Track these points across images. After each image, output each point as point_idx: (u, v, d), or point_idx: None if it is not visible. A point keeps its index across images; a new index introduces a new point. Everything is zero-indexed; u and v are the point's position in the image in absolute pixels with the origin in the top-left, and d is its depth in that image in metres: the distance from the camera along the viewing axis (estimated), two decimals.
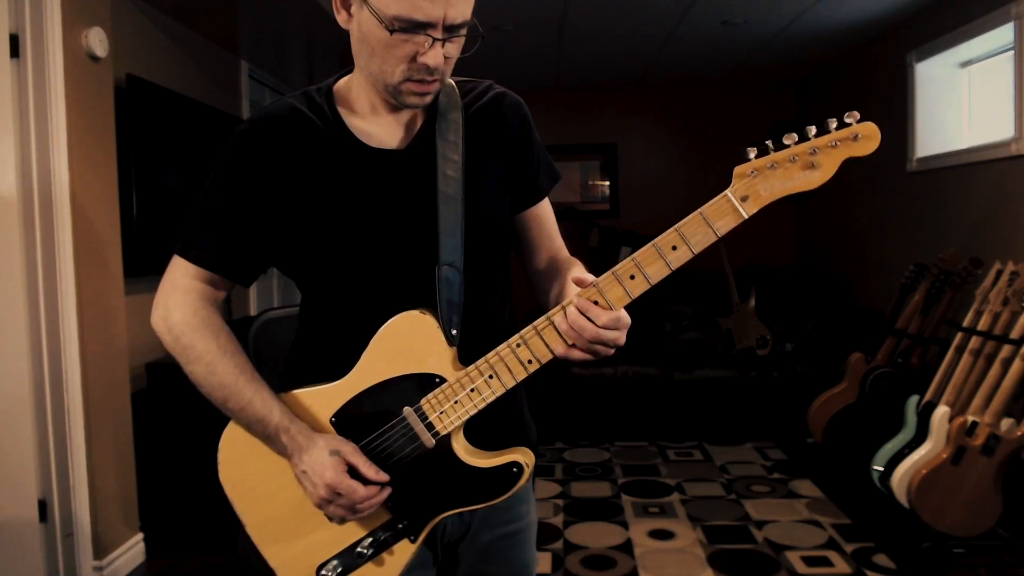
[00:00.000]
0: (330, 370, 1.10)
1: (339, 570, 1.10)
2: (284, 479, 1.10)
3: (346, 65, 1.16)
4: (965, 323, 2.96)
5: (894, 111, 4.25)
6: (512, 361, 1.04)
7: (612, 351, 1.02)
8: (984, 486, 2.66)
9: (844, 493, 3.44)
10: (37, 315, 2.52)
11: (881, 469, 2.95)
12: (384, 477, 1.06)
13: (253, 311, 4.58)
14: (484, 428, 1.10)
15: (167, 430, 3.04)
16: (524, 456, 1.09)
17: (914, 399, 2.99)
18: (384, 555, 1.10)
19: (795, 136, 0.97)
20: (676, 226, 0.98)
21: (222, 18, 3.87)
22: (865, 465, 3.07)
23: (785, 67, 5.29)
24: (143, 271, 3.08)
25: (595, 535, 3.09)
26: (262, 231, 1.10)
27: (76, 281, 2.59)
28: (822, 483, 3.60)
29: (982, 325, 2.85)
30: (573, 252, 1.25)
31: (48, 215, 2.53)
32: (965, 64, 3.91)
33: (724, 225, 0.98)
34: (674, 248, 0.98)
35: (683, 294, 5.17)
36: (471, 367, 1.05)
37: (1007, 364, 2.69)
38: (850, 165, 0.99)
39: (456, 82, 1.18)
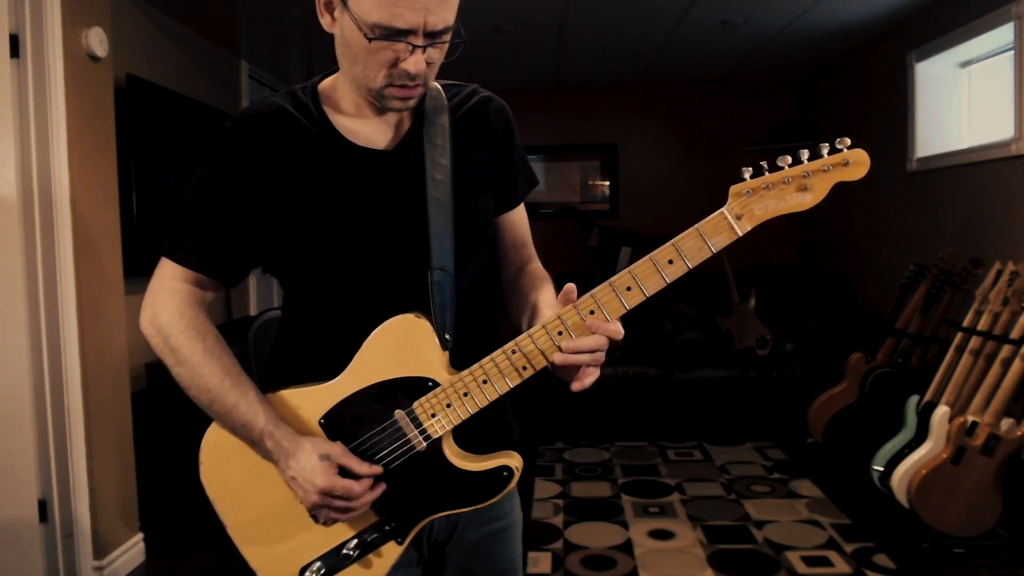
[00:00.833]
0: (317, 371, 1.09)
1: (323, 571, 1.09)
2: (268, 481, 1.09)
3: None
4: (965, 323, 2.96)
5: (894, 111, 4.25)
6: (506, 367, 1.04)
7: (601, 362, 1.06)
8: (984, 486, 2.66)
9: (844, 493, 3.44)
10: (37, 315, 2.52)
11: (881, 469, 2.95)
12: (377, 469, 1.06)
13: (253, 311, 4.58)
14: (468, 430, 1.09)
15: (167, 430, 3.04)
16: (513, 460, 1.10)
17: (914, 399, 2.99)
18: (370, 556, 1.10)
19: (789, 159, 1.01)
20: (673, 240, 1.01)
21: (222, 18, 3.87)
22: (865, 465, 3.07)
23: (785, 67, 5.29)
24: (143, 271, 3.03)
25: (595, 535, 3.09)
26: (249, 231, 1.09)
27: (76, 281, 2.60)
28: (822, 483, 3.60)
29: (982, 325, 2.85)
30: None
31: (48, 215, 2.53)
32: (965, 64, 3.91)
33: (720, 241, 1.01)
34: (670, 262, 1.01)
35: (683, 294, 5.16)
36: (465, 372, 1.05)
37: (1007, 364, 2.69)
38: None
39: (442, 85, 1.18)
